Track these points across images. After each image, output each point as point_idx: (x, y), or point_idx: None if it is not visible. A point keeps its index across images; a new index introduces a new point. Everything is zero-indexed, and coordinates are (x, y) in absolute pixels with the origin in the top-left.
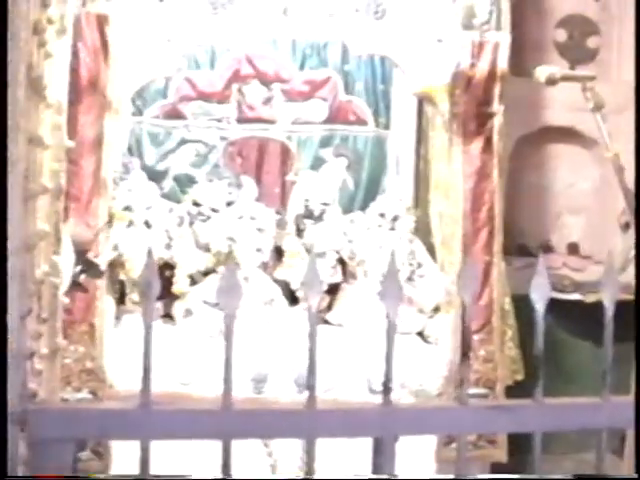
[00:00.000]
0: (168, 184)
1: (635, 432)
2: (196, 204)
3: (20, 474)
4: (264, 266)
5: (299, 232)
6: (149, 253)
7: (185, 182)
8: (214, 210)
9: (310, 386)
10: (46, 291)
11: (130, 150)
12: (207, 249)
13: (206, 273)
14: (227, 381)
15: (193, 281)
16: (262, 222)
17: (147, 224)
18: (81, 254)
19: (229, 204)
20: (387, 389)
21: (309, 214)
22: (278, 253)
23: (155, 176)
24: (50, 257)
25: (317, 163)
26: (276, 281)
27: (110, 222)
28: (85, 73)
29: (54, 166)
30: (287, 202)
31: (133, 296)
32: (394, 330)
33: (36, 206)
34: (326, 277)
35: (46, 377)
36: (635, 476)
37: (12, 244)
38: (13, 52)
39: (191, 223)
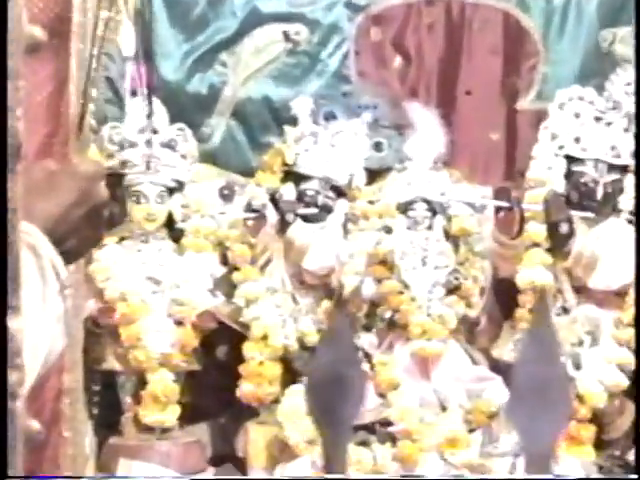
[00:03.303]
0: (219, 129)
1: (635, 431)
2: (293, 179)
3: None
4: (470, 332)
5: (559, 245)
6: None
7: (262, 122)
8: (337, 194)
9: None
10: None
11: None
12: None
13: (304, 346)
14: None
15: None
16: (462, 219)
17: (172, 233)
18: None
19: (375, 177)
20: None
21: (587, 199)
22: (505, 298)
23: (189, 109)
24: None
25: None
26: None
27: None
28: None
29: None
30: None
31: (149, 414)
32: None
33: None
34: None
35: None
36: (635, 476)
37: None
38: None
39: (282, 229)
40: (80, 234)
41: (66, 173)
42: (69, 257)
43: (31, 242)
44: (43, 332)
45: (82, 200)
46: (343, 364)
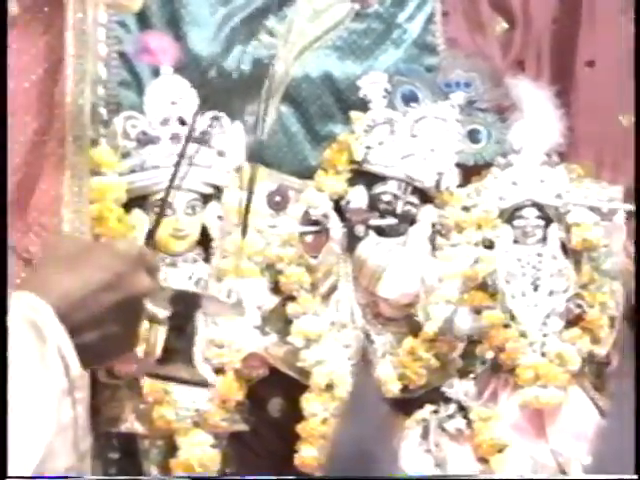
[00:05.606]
0: (267, 118)
1: (635, 432)
2: (363, 180)
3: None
4: (598, 376)
5: None
6: None
7: (322, 107)
8: (421, 199)
9: None
10: None
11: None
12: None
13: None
14: None
15: None
16: (585, 229)
17: (209, 253)
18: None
19: (471, 176)
20: None
21: None
22: None
23: (227, 92)
24: None
25: None
26: None
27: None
28: None
29: None
30: None
31: None
32: None
33: None
34: None
35: None
36: (635, 476)
37: None
38: None
39: (350, 246)
40: (105, 328)
41: (100, 249)
42: (87, 356)
43: (34, 319)
44: (38, 442)
45: (115, 285)
46: (370, 440)
